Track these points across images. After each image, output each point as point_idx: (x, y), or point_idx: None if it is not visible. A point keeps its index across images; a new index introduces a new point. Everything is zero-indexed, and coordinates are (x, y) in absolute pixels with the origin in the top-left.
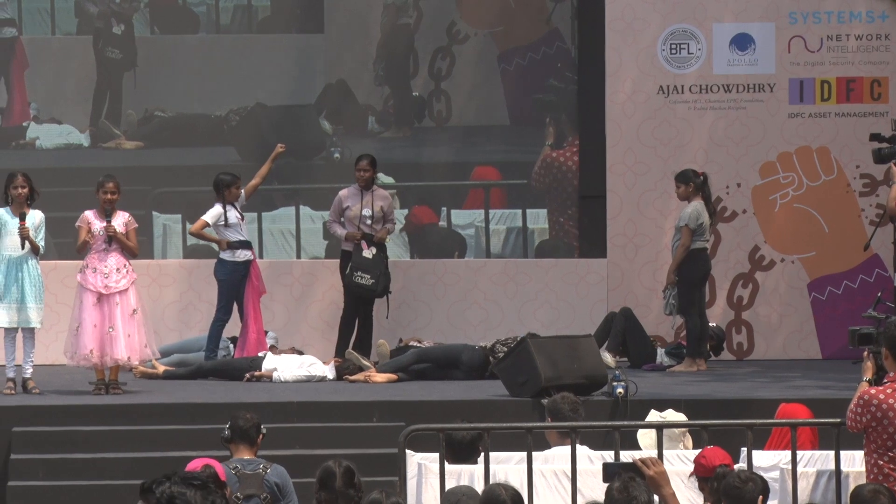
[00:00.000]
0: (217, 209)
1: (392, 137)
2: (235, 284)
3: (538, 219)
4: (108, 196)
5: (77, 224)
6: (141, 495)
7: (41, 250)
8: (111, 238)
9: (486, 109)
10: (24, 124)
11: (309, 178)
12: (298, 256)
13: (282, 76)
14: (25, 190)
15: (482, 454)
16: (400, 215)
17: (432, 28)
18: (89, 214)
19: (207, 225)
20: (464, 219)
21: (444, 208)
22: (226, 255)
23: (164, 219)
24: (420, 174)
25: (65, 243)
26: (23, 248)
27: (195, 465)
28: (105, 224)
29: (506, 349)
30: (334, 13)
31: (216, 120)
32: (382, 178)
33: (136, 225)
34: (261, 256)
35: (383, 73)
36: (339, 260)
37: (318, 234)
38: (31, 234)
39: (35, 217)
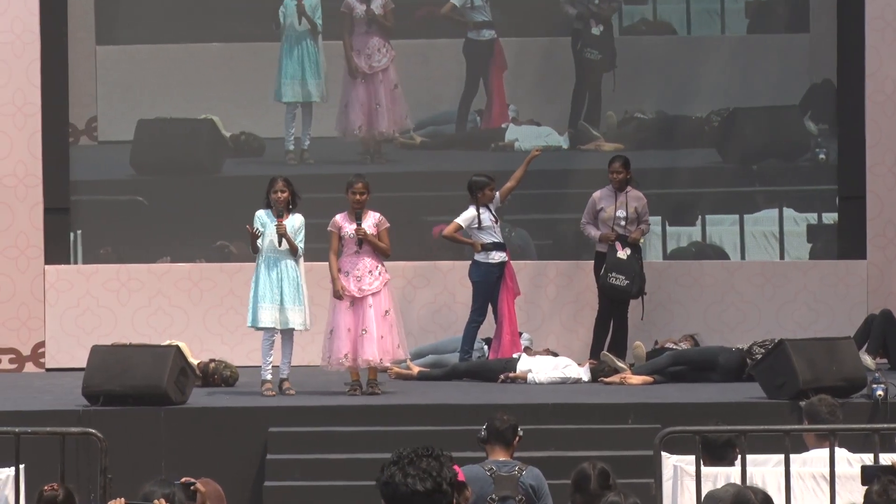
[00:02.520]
0: (470, 211)
1: None
2: (490, 286)
3: None
4: (358, 197)
5: (328, 228)
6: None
7: (300, 252)
8: (361, 240)
9: None
10: (503, 126)
11: (793, 179)
12: (781, 258)
13: (765, 76)
14: (285, 194)
15: (739, 456)
16: None
17: None
18: (339, 218)
19: (461, 227)
20: None
21: None
22: (480, 257)
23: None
24: None
25: (545, 245)
26: (279, 245)
27: None
28: (355, 227)
29: (763, 351)
30: (821, 12)
31: (697, 122)
32: None
33: (388, 225)
34: (742, 258)
35: None
36: (593, 262)
37: (801, 237)
38: (290, 235)
39: (295, 221)
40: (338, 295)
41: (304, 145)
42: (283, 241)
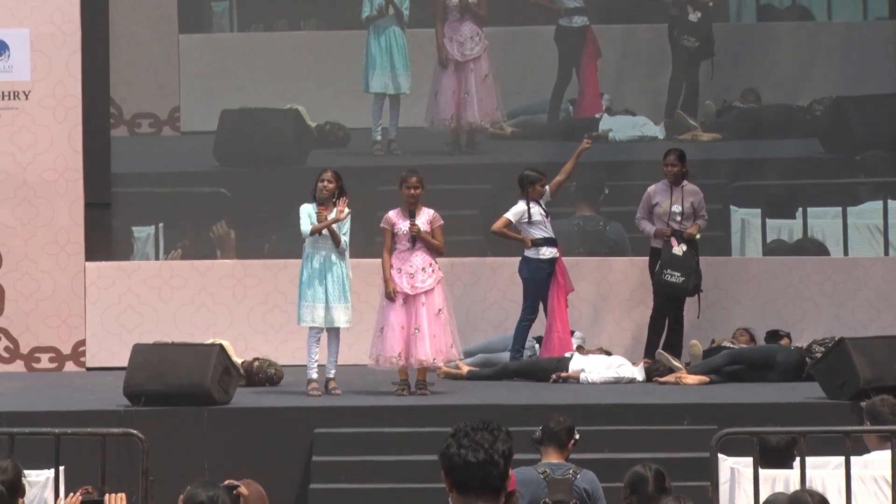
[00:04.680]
0: (520, 206)
1: None
2: (540, 283)
3: None
4: (412, 192)
5: (381, 225)
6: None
7: (344, 244)
8: (415, 238)
9: None
10: (597, 116)
11: None
12: (886, 253)
13: (869, 64)
14: (332, 185)
15: (797, 459)
16: None
17: None
18: (392, 214)
19: (510, 223)
20: None
21: None
22: (530, 253)
23: (743, 213)
24: None
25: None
26: (337, 245)
27: None
28: (409, 224)
29: (823, 349)
30: None
31: (798, 111)
32: None
33: (442, 222)
34: (845, 253)
35: None
36: (647, 258)
37: None
38: (335, 227)
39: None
40: (390, 297)
41: (391, 135)
42: (327, 230)
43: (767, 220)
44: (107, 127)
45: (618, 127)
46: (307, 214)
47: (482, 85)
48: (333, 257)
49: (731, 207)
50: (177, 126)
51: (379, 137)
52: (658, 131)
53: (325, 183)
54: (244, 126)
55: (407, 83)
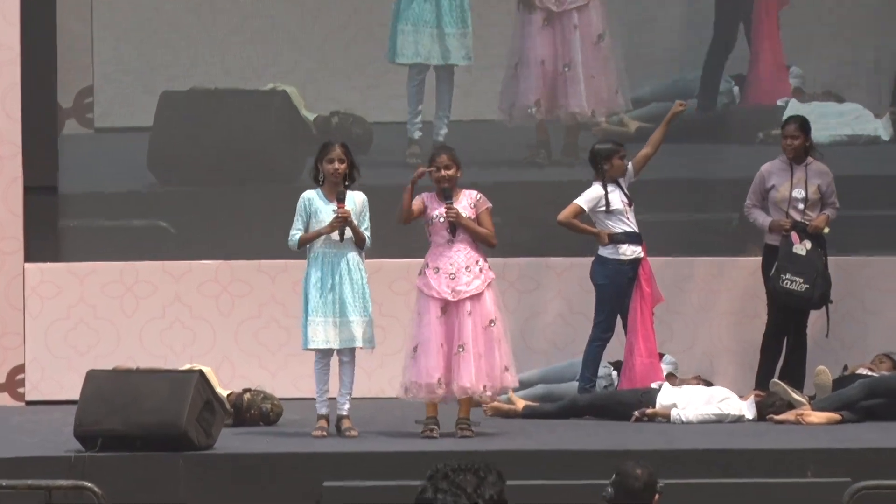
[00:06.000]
0: (595, 190)
1: None
2: (620, 291)
3: None
4: (442, 173)
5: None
6: None
7: (367, 242)
8: (454, 226)
9: None
10: (780, 102)
11: None
12: None
13: None
14: (344, 165)
15: None
16: None
17: None
18: (426, 195)
19: (582, 211)
20: None
21: None
22: (606, 252)
23: None
24: None
25: None
26: (341, 238)
27: None
28: (445, 207)
29: None
30: None
31: None
32: None
33: (490, 205)
34: None
35: None
36: (760, 257)
37: None
38: (355, 223)
39: (356, 200)
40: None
41: (439, 133)
42: (347, 230)
43: None
44: (53, 88)
45: (814, 120)
46: (305, 211)
47: (592, 52)
48: (351, 255)
49: None
50: (88, 119)
51: (418, 135)
52: (880, 127)
53: (335, 164)
54: (198, 118)
55: (462, 48)
